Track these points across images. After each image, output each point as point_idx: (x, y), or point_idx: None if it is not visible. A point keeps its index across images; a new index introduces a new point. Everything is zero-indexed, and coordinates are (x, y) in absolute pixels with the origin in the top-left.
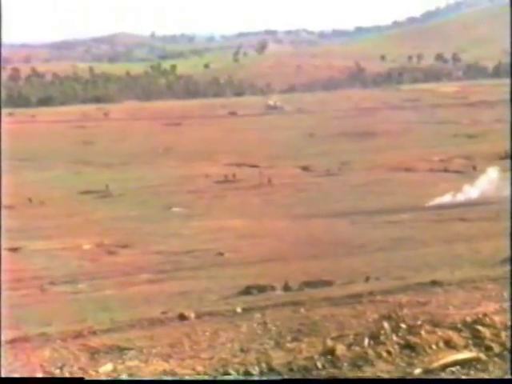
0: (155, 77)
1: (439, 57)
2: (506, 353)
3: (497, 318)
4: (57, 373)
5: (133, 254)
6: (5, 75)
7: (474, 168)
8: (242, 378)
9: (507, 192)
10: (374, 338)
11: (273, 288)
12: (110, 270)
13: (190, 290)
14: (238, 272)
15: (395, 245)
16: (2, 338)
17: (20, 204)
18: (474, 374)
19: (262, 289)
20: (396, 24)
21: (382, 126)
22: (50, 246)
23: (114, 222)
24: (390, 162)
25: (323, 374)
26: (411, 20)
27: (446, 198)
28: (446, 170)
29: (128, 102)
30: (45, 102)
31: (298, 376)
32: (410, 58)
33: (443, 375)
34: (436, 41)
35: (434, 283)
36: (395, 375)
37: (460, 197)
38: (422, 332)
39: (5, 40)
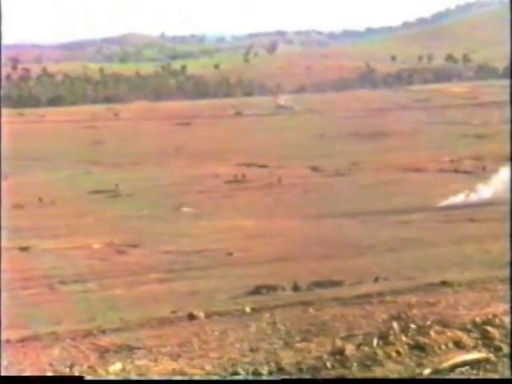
0: (165, 77)
1: (449, 57)
2: None
3: (506, 319)
4: (66, 372)
5: (142, 253)
6: (15, 75)
7: (484, 169)
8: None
9: None
10: (384, 338)
11: (282, 288)
12: (120, 270)
13: (199, 290)
14: (247, 272)
15: (405, 245)
16: (12, 337)
17: (30, 203)
18: (483, 375)
19: (271, 289)
20: (406, 25)
21: (392, 126)
22: (60, 245)
23: (123, 221)
24: (399, 162)
25: (332, 374)
26: (421, 21)
27: (456, 199)
28: (455, 171)
29: (138, 102)
30: (55, 102)
31: (307, 376)
32: (420, 58)
33: (452, 376)
34: (446, 41)
35: (443, 284)
36: (404, 375)
37: (470, 197)
38: (432, 332)
39: (16, 40)
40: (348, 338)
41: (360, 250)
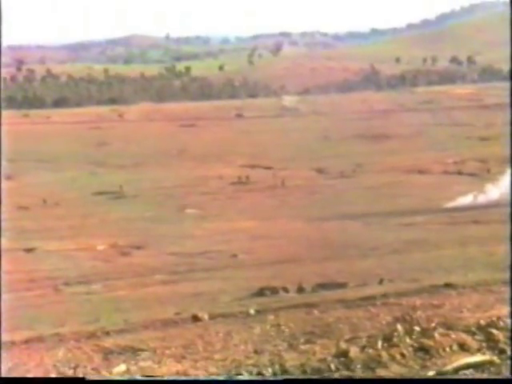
0: (170, 78)
1: (454, 59)
2: None
3: (510, 321)
4: (70, 373)
5: (147, 255)
6: (20, 76)
7: (488, 171)
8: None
9: None
10: (388, 340)
11: (286, 290)
12: (124, 271)
13: (203, 292)
14: (251, 273)
15: (409, 247)
16: (16, 339)
17: (35, 205)
18: (487, 377)
19: (275, 290)
20: (411, 26)
21: (397, 128)
22: (65, 246)
23: (128, 223)
24: (404, 164)
25: (336, 376)
26: (426, 22)
27: (460, 201)
28: (459, 173)
29: (143, 103)
30: (60, 103)
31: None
32: (424, 60)
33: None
34: (451, 43)
35: (447, 286)
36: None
37: (474, 199)
38: (436, 335)
39: (20, 41)
40: (352, 340)
41: (364, 251)
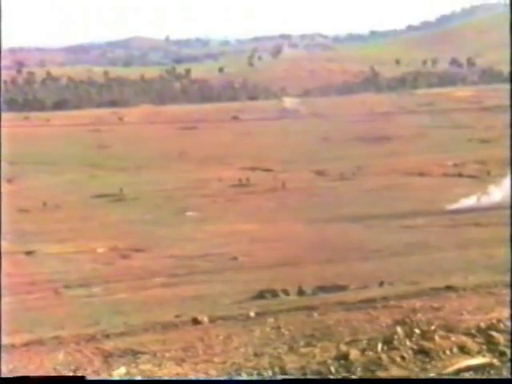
0: (170, 81)
1: (454, 61)
2: None
3: (511, 324)
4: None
5: (147, 257)
6: (20, 79)
7: (489, 173)
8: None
9: None
10: (388, 343)
11: (286, 292)
12: (124, 274)
13: (203, 294)
14: (251, 276)
15: (409, 250)
16: (17, 342)
17: (35, 208)
18: (486, 378)
19: (275, 293)
20: (411, 28)
21: (397, 130)
22: (65, 249)
23: (128, 225)
24: (404, 166)
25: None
26: (426, 24)
27: (461, 203)
28: (460, 175)
29: (143, 105)
30: (60, 105)
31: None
32: (424, 62)
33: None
34: (451, 45)
35: (448, 288)
36: None
37: (474, 202)
38: (436, 337)
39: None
40: (352, 342)
41: (364, 254)
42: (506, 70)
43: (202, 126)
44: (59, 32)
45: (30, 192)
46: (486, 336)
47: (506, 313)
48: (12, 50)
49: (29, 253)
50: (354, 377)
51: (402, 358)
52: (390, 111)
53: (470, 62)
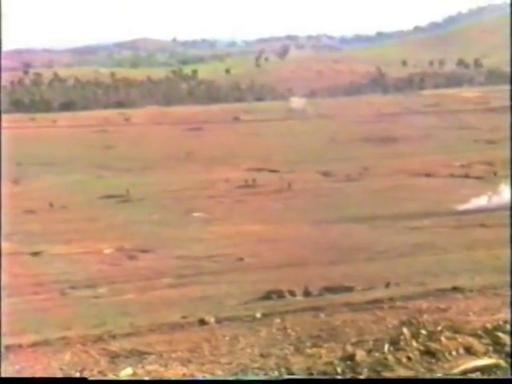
0: (176, 82)
1: (461, 62)
2: None
3: None
4: (76, 376)
5: (153, 258)
6: (27, 80)
7: (495, 174)
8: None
9: None
10: (394, 343)
11: (293, 293)
12: (131, 275)
13: (210, 295)
14: (257, 277)
15: (416, 251)
16: (23, 342)
17: (41, 208)
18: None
19: (281, 294)
20: (417, 29)
21: (403, 131)
22: (71, 250)
23: (134, 226)
24: (410, 167)
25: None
26: (433, 25)
27: (467, 204)
28: (466, 176)
29: (149, 106)
30: (67, 106)
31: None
32: (431, 63)
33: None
34: (458, 46)
35: (454, 289)
36: None
37: (480, 202)
38: (442, 338)
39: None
40: (359, 343)
41: (371, 255)
42: None
43: (209, 127)
44: (66, 33)
45: (36, 193)
46: (492, 337)
47: None
48: (19, 51)
49: (35, 253)
50: (360, 377)
51: (409, 358)
52: (396, 112)
53: (477, 63)
